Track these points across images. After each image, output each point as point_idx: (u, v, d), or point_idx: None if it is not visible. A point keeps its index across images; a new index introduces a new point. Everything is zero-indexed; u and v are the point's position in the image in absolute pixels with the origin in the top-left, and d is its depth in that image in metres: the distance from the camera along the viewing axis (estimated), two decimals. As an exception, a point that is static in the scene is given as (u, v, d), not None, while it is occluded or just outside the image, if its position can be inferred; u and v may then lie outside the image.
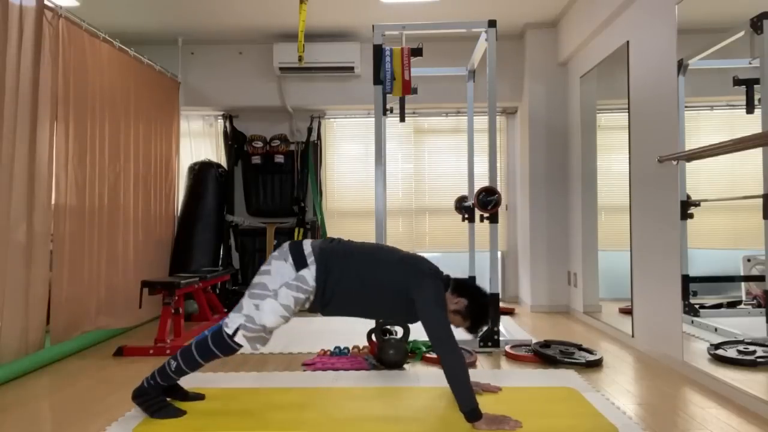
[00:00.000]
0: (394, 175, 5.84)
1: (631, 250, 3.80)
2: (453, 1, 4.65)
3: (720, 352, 2.80)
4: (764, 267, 2.54)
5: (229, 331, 2.34)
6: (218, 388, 2.79)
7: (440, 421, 2.31)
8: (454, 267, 5.76)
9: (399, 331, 3.42)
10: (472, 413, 2.17)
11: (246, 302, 2.38)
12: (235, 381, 2.95)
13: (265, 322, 2.33)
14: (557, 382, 2.88)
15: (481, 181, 3.95)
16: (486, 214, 3.65)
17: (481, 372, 3.13)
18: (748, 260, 2.71)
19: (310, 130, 5.74)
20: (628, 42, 3.84)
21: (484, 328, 2.57)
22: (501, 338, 3.66)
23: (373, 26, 3.75)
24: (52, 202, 3.47)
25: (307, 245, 2.45)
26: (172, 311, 3.77)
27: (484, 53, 3.91)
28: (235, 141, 5.72)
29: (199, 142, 5.95)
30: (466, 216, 4.75)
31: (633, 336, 3.76)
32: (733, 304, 2.88)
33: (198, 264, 5.12)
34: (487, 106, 3.81)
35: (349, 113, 5.90)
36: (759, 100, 2.50)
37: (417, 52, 3.69)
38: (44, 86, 3.36)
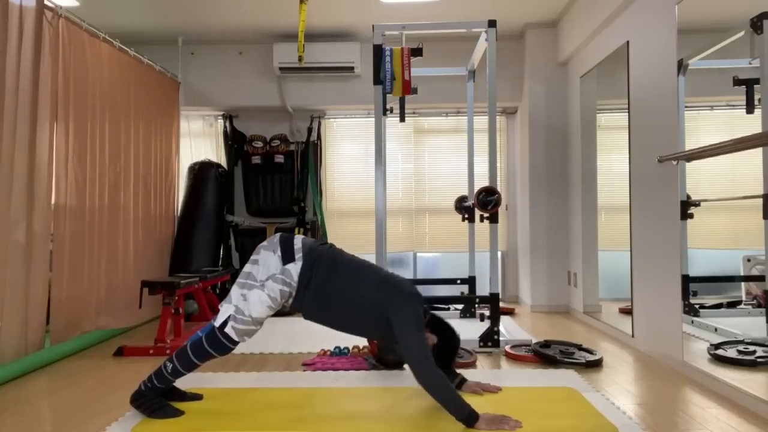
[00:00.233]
0: (394, 175, 5.84)
1: (631, 250, 3.80)
2: (453, 1, 4.65)
3: (720, 352, 2.80)
4: (764, 267, 2.54)
5: (217, 324, 2.34)
6: (218, 388, 2.79)
7: (440, 420, 2.30)
8: (454, 267, 5.80)
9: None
10: (469, 418, 2.17)
11: (234, 292, 2.40)
12: (235, 381, 2.95)
13: (253, 313, 2.34)
14: (557, 382, 2.88)
15: (481, 181, 3.95)
16: (486, 214, 3.65)
17: (481, 372, 3.13)
18: (748, 260, 2.71)
19: (310, 130, 5.74)
20: (628, 42, 3.84)
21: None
22: (501, 338, 3.66)
23: (373, 26, 3.75)
24: (52, 202, 3.47)
25: (299, 241, 2.47)
26: (172, 311, 3.77)
27: (484, 53, 3.91)
28: (235, 141, 5.72)
29: (199, 142, 5.95)
30: (466, 216, 4.75)
31: (633, 336, 3.76)
32: (733, 304, 2.88)
33: (198, 264, 5.13)
34: (487, 106, 3.81)
35: (349, 113, 5.90)
36: (759, 100, 2.50)
37: (417, 52, 3.69)
38: (44, 86, 3.36)
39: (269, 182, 5.68)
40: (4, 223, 3.04)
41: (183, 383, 2.70)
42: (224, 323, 2.34)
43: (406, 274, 5.84)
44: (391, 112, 3.95)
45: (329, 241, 5.73)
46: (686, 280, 3.10)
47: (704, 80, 3.04)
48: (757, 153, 2.48)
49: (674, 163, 3.15)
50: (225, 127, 5.79)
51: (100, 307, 3.95)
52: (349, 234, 5.85)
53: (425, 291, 5.66)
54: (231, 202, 5.68)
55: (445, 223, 5.81)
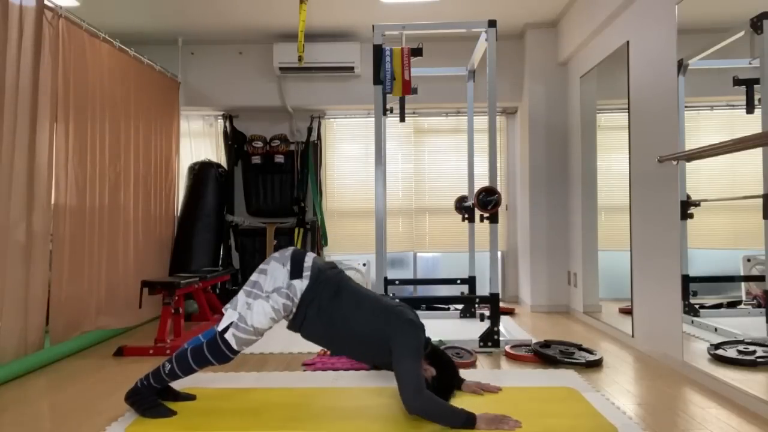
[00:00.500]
0: (394, 175, 5.84)
1: (631, 250, 3.80)
2: (453, 1, 4.65)
3: (720, 352, 2.80)
4: (764, 267, 2.53)
5: (220, 328, 2.35)
6: (218, 387, 2.79)
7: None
8: (454, 267, 5.80)
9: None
10: (467, 423, 2.17)
11: (240, 299, 2.40)
12: (235, 381, 2.95)
13: (255, 322, 2.34)
14: (557, 382, 2.88)
15: (481, 181, 3.95)
16: (486, 214, 3.65)
17: (481, 372, 3.13)
18: (748, 260, 2.71)
19: (310, 130, 5.74)
20: (628, 42, 3.84)
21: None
22: (501, 338, 3.66)
23: (373, 26, 3.75)
24: (52, 202, 3.47)
25: (309, 259, 2.45)
26: (172, 311, 3.77)
27: (484, 53, 3.91)
28: (235, 141, 5.72)
29: (199, 142, 5.95)
30: (466, 216, 4.75)
31: (633, 336, 3.76)
32: (733, 304, 2.88)
33: (198, 264, 5.13)
34: (487, 106, 3.81)
35: (349, 113, 5.90)
36: (759, 100, 2.50)
37: (417, 52, 3.69)
38: (44, 86, 3.36)
39: (269, 182, 5.68)
40: (4, 223, 3.04)
41: (183, 382, 2.70)
42: (226, 329, 2.34)
43: (406, 274, 5.84)
44: (391, 112, 3.95)
45: (330, 240, 5.73)
46: (686, 280, 3.10)
47: (704, 80, 3.04)
48: (757, 153, 2.48)
49: (674, 163, 3.15)
50: (225, 127, 5.79)
51: (100, 307, 3.95)
52: (349, 234, 5.85)
53: (425, 291, 5.73)
54: (231, 202, 5.68)
55: (445, 223, 5.81)
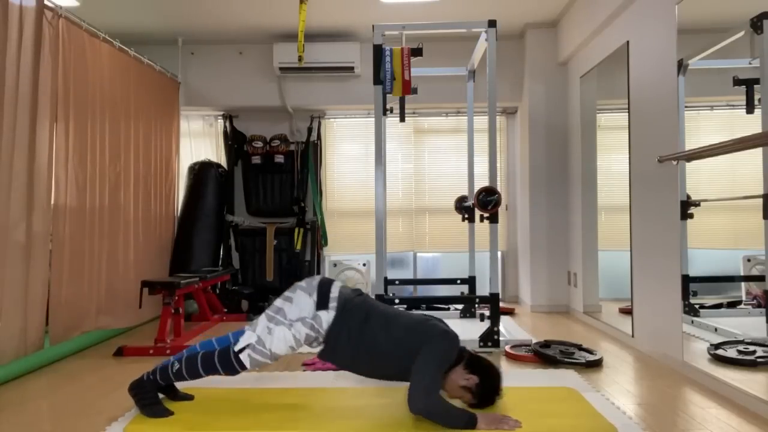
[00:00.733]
0: (394, 175, 5.84)
1: (631, 250, 3.80)
2: (453, 1, 4.65)
3: (720, 352, 2.80)
4: (764, 267, 2.53)
5: (237, 348, 2.34)
6: (218, 387, 2.79)
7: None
8: (454, 267, 5.80)
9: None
10: (469, 423, 2.17)
11: (262, 322, 2.40)
12: (235, 380, 2.94)
13: (274, 348, 2.34)
14: (557, 382, 2.88)
15: (481, 181, 3.95)
16: (486, 214, 3.65)
17: (481, 372, 3.12)
18: (748, 260, 2.71)
19: (310, 130, 5.74)
20: (628, 42, 3.84)
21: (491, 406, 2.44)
22: (501, 338, 3.66)
23: (373, 26, 3.75)
24: (52, 202, 3.47)
25: (336, 289, 2.44)
26: (172, 311, 3.77)
27: (484, 53, 3.91)
28: (235, 141, 5.72)
29: (199, 142, 5.95)
30: (466, 216, 4.75)
31: (633, 336, 3.76)
32: (733, 304, 2.88)
33: (198, 264, 5.13)
34: (487, 106, 3.81)
35: (349, 113, 5.90)
36: (759, 100, 2.50)
37: (417, 52, 3.68)
38: (44, 86, 3.36)
39: (269, 182, 5.68)
40: (4, 223, 3.04)
41: (184, 381, 2.70)
42: (242, 349, 2.34)
43: (406, 274, 5.84)
44: (391, 112, 3.95)
45: (330, 240, 5.73)
46: (686, 280, 3.10)
47: (704, 80, 3.04)
48: (757, 153, 2.48)
49: (674, 163, 3.15)
50: (225, 127, 5.79)
51: (100, 307, 3.95)
52: (349, 234, 5.85)
53: (425, 291, 5.73)
54: (231, 202, 5.68)
55: (445, 223, 5.81)
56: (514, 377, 3.01)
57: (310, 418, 2.35)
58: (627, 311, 3.85)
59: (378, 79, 3.65)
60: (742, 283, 2.78)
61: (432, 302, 5.06)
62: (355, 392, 2.74)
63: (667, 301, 3.29)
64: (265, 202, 5.67)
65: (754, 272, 2.67)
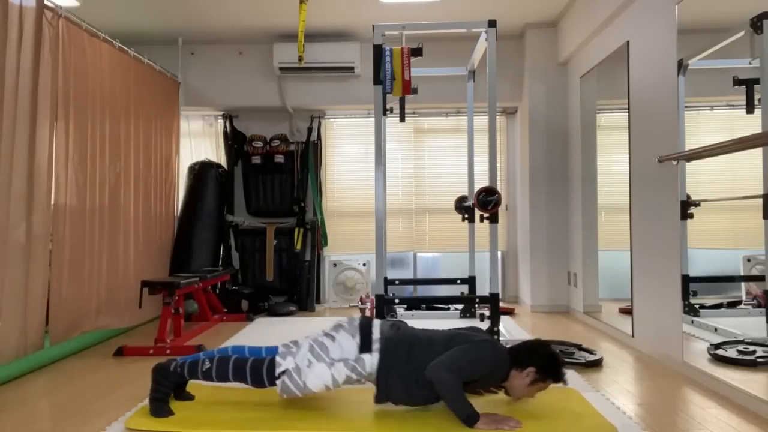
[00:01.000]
0: (394, 175, 5.84)
1: (631, 250, 3.80)
2: (453, 1, 4.65)
3: (720, 352, 2.80)
4: (764, 267, 2.54)
5: (279, 370, 2.32)
6: (217, 387, 2.79)
7: (440, 420, 2.30)
8: (454, 267, 5.80)
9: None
10: (469, 419, 2.18)
11: (304, 349, 2.37)
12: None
13: (309, 383, 2.31)
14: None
15: (481, 181, 3.95)
16: (486, 214, 3.65)
17: (481, 372, 3.12)
18: (748, 260, 2.71)
19: (310, 130, 5.74)
20: (628, 42, 3.84)
21: (567, 373, 2.39)
22: (501, 338, 3.66)
23: (373, 26, 3.74)
24: (52, 202, 3.47)
25: (377, 329, 2.41)
26: (172, 311, 3.77)
27: (484, 53, 3.91)
28: (235, 141, 5.72)
29: (199, 142, 5.95)
30: (466, 216, 4.75)
31: (633, 336, 3.76)
32: (733, 304, 2.88)
33: (198, 264, 5.13)
34: (487, 106, 3.81)
35: (349, 113, 5.90)
36: (759, 100, 2.50)
37: (417, 52, 3.68)
38: (44, 86, 3.36)
39: (269, 182, 5.68)
40: (4, 223, 3.04)
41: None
42: (281, 373, 2.32)
43: (406, 274, 5.84)
44: (391, 112, 3.95)
45: (330, 240, 5.73)
46: (686, 280, 3.10)
47: (704, 80, 3.04)
48: (757, 153, 2.48)
49: (674, 163, 3.15)
50: (225, 127, 5.79)
51: (100, 307, 3.95)
52: (349, 234, 5.86)
53: (425, 291, 5.73)
54: (231, 202, 5.68)
55: (445, 223, 5.81)
56: (514, 377, 3.00)
57: (310, 418, 2.35)
58: (627, 311, 3.85)
59: (378, 79, 3.65)
60: (742, 283, 2.78)
61: (432, 302, 5.06)
62: (355, 392, 2.73)
63: (667, 301, 3.29)
64: (265, 202, 5.67)
65: (754, 272, 2.68)
